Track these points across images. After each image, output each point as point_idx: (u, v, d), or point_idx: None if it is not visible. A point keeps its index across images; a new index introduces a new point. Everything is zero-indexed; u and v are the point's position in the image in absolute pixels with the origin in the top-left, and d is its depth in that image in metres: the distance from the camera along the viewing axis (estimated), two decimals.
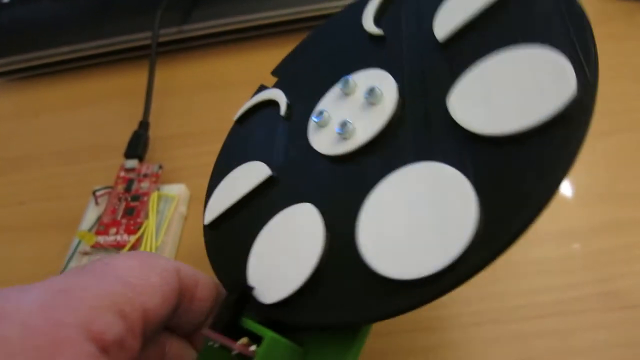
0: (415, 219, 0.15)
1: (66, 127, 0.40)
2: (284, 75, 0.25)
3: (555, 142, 0.14)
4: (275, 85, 0.25)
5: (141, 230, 0.29)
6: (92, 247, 0.29)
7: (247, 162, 0.22)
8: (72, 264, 0.29)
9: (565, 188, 0.31)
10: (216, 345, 0.15)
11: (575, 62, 0.15)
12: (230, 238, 0.20)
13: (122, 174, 0.33)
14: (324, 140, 0.20)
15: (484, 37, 0.18)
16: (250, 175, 0.21)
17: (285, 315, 0.16)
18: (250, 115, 0.25)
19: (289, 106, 0.23)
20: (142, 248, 0.29)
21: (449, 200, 0.15)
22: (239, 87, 0.40)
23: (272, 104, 0.24)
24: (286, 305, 0.16)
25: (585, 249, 0.28)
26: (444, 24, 0.19)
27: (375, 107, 0.19)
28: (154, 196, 0.31)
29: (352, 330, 0.16)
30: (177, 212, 0.31)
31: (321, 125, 0.21)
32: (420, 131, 0.17)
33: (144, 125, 0.35)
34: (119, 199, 0.31)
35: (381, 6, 0.23)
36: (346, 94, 0.21)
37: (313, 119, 0.21)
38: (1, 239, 0.33)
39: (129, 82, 0.42)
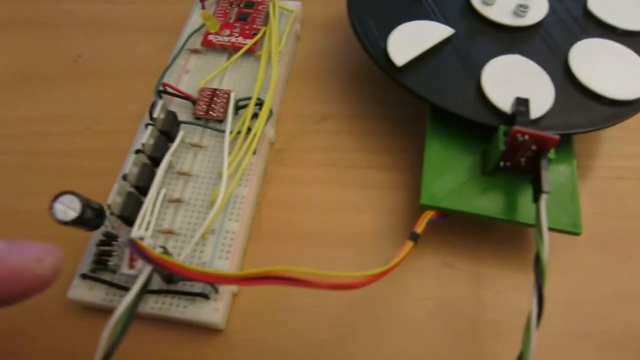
0: (611, 66, 0.23)
1: None
2: None
3: None
4: None
5: (260, 34, 0.27)
6: (204, 44, 0.27)
7: (418, 20, 0.24)
8: (179, 62, 0.27)
9: None
10: (522, 139, 0.19)
11: None
12: (433, 74, 0.23)
13: None
14: (499, 14, 0.25)
15: None
16: (434, 31, 0.24)
17: (548, 127, 0.21)
18: None
19: None
20: (264, 52, 0.26)
21: (628, 59, 0.24)
22: None
23: None
24: (537, 121, 0.21)
25: None
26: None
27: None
28: (273, 3, 0.28)
29: (572, 138, 0.23)
30: (293, 28, 0.28)
31: (489, 3, 0.25)
32: (571, 21, 0.25)
33: None
34: (230, 4, 0.29)
35: None
36: None
37: None
38: (100, 33, 0.30)
39: None
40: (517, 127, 0.19)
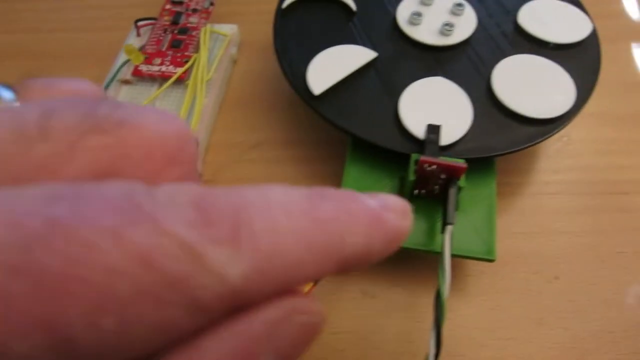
0: (533, 83, 0.23)
1: None
2: None
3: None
4: None
5: (190, 63, 0.26)
6: (134, 75, 0.27)
7: (341, 45, 0.24)
8: (109, 94, 0.27)
9: None
10: (430, 168, 0.19)
11: None
12: (352, 103, 0.23)
13: (168, 6, 0.30)
14: (424, 34, 0.25)
15: None
16: (357, 55, 0.24)
17: (455, 155, 0.20)
18: (296, 6, 0.26)
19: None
20: (191, 81, 0.26)
21: (554, 75, 0.23)
22: None
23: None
24: (453, 146, 0.21)
25: None
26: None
27: (460, 17, 0.25)
28: (205, 29, 0.28)
29: (493, 160, 0.22)
30: (228, 52, 0.28)
31: (415, 24, 0.25)
32: (500, 37, 0.25)
33: None
34: (165, 31, 0.28)
35: None
36: (425, 3, 0.26)
37: (413, 17, 0.25)
38: (30, 64, 0.30)
39: None
40: (423, 157, 0.19)
